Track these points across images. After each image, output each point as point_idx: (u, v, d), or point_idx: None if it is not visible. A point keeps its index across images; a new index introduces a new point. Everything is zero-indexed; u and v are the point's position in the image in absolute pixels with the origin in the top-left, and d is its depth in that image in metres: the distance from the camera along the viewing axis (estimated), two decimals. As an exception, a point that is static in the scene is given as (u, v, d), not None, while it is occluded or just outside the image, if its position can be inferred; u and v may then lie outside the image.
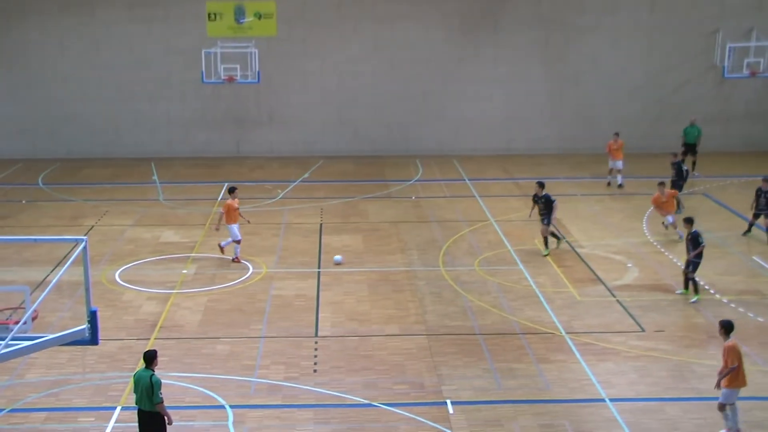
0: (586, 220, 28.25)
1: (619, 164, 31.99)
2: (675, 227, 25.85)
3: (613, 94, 37.83)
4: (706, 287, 21.99)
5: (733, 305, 20.84)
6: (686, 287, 21.52)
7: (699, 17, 37.15)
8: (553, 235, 25.17)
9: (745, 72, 36.01)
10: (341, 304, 21.20)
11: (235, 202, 24.09)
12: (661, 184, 26.31)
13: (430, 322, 20.10)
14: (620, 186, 31.88)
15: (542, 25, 37.28)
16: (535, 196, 25.52)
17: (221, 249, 24.08)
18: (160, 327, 19.84)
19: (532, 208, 25.81)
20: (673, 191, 26.85)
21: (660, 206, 26.31)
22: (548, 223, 24.78)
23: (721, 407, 15.15)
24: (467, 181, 33.30)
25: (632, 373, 17.52)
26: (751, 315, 20.26)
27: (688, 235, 21.48)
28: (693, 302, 21.02)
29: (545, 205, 24.94)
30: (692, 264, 21.30)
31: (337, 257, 23.94)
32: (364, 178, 34.14)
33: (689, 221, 21.60)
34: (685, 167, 28.89)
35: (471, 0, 37.19)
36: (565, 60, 37.60)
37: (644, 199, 29.87)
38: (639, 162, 34.79)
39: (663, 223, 26.73)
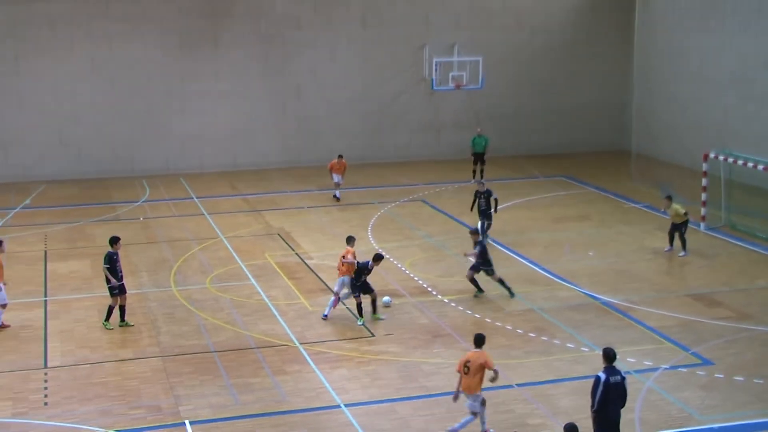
0: (315, 231, 29.01)
1: (339, 179, 32.81)
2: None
3: (334, 106, 39.02)
4: (429, 289, 23.28)
5: (453, 304, 22.18)
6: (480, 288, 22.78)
7: (407, 33, 39.08)
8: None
9: (451, 84, 38.41)
10: (71, 332, 20.62)
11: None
12: (352, 238, 22.78)
13: (164, 344, 19.98)
14: (335, 198, 32.74)
15: (261, 40, 37.84)
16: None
17: None
18: None
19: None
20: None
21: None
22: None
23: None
24: (195, 199, 33.23)
25: (365, 377, 18.27)
26: (469, 312, 21.66)
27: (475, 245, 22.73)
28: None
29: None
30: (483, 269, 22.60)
31: (386, 299, 22.06)
32: (89, 201, 33.19)
33: (474, 232, 23.22)
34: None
35: (189, 18, 37.16)
36: (286, 74, 38.34)
37: (369, 209, 31.10)
38: (361, 172, 36.17)
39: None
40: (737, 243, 26.89)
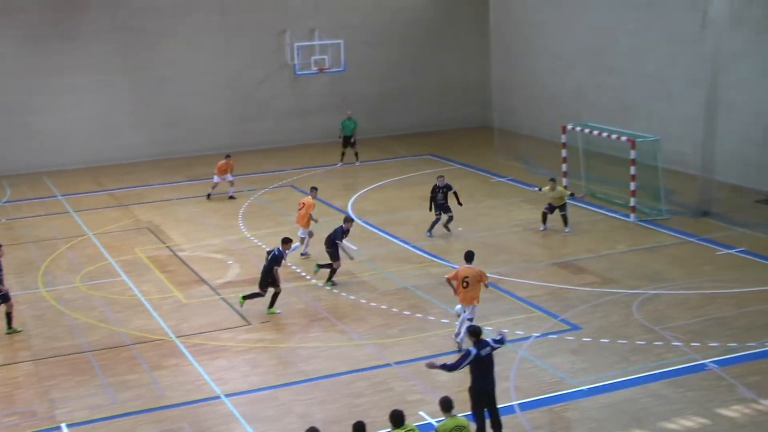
0: (185, 222, 28.73)
1: (229, 177, 31.33)
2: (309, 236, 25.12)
3: (198, 96, 38.56)
4: (303, 274, 23.40)
5: (328, 288, 22.37)
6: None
7: (267, 18, 38.90)
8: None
9: (314, 69, 38.52)
10: (-65, 343, 19.93)
11: None
12: (314, 188, 25.76)
13: (35, 347, 19.52)
14: (231, 197, 31.20)
15: (120, 33, 37.02)
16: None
17: None
18: None
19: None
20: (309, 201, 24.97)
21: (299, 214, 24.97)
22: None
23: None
24: (60, 197, 32.40)
25: (244, 366, 18.29)
26: (344, 295, 21.88)
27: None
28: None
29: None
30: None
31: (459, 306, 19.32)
32: (-56, 204, 32.02)
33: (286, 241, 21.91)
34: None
35: (44, 11, 36.03)
36: (148, 66, 37.64)
37: (239, 197, 30.92)
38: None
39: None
40: (598, 210, 27.90)
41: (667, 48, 32.47)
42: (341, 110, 38.61)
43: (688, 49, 31.09)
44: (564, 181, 29.21)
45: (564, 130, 29.54)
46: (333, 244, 22.59)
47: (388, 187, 32.47)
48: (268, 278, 20.83)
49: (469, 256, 18.59)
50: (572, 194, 26.64)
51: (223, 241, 26.68)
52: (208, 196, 31.45)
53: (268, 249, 21.80)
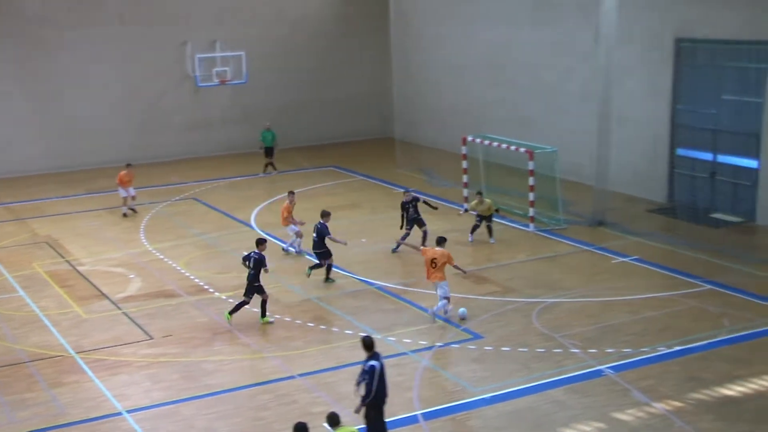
0: (85, 236, 28.23)
1: (132, 191, 30.60)
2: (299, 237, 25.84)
3: (98, 107, 37.93)
4: (206, 287, 23.25)
5: (231, 300, 22.22)
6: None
7: (168, 30, 38.55)
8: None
9: (216, 81, 38.34)
10: None
11: None
12: (291, 192, 26.43)
13: (-72, 367, 18.97)
14: (130, 212, 30.36)
15: (16, 42, 36.21)
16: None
17: None
18: None
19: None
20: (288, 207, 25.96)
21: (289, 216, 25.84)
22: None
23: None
24: (-48, 211, 31.55)
25: (145, 381, 18.07)
26: (247, 307, 21.72)
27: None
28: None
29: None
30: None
31: (462, 310, 20.92)
32: None
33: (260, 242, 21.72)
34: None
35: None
36: (46, 76, 36.86)
37: (140, 210, 30.49)
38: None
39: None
40: (498, 221, 28.34)
41: (563, 62, 33.33)
42: (243, 122, 38.46)
43: (582, 64, 31.97)
44: (464, 191, 29.67)
45: (464, 141, 30.02)
46: (322, 243, 23.25)
47: (291, 199, 32.44)
48: (255, 285, 20.65)
49: (440, 241, 21.09)
50: (497, 210, 26.99)
51: (124, 254, 26.31)
52: (124, 215, 30.27)
53: (244, 255, 21.39)
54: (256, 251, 20.89)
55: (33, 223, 29.84)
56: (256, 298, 20.81)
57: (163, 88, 38.97)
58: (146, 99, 38.79)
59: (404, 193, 26.29)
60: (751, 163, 27.73)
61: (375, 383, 14.43)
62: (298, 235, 25.86)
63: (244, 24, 39.78)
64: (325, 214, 23.69)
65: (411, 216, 25.85)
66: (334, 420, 13.27)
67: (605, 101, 27.83)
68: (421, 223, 25.90)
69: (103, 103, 38.02)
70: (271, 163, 36.16)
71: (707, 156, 29.18)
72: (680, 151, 29.97)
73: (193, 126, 39.81)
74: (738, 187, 28.29)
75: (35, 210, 31.61)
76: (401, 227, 25.93)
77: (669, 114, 29.90)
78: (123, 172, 30.56)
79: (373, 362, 14.52)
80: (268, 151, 36.02)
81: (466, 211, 27.12)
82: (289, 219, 25.90)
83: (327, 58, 41.60)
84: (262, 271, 20.74)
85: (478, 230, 26.59)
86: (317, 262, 23.63)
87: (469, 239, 26.54)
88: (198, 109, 39.84)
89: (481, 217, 26.55)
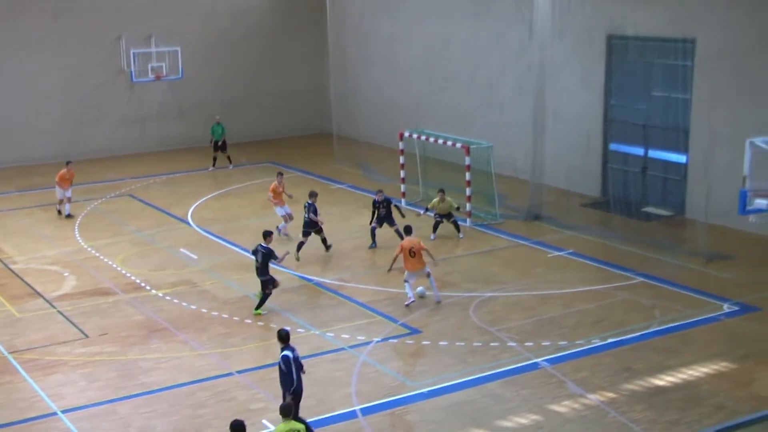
0: (18, 234, 27.81)
1: (69, 193, 29.64)
2: (288, 220, 26.98)
3: (29, 102, 37.29)
4: (142, 284, 23.06)
5: (168, 298, 22.13)
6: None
7: (101, 23, 38.01)
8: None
9: (151, 76, 37.97)
10: None
11: None
12: (280, 174, 27.75)
13: None
14: (69, 216, 29.37)
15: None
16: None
17: None
18: None
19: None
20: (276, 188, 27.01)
21: (276, 196, 26.95)
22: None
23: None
24: None
25: (81, 380, 17.89)
26: (185, 304, 21.69)
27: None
28: None
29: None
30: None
31: (421, 288, 21.91)
32: None
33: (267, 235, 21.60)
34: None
35: None
36: (-28, 71, 36.24)
37: (74, 207, 30.04)
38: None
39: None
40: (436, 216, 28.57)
41: (497, 58, 33.65)
42: (179, 118, 38.15)
43: (516, 59, 32.32)
44: (402, 186, 29.83)
45: (401, 137, 30.16)
46: (314, 222, 24.82)
47: (229, 195, 32.35)
48: (267, 276, 20.99)
49: (408, 230, 22.10)
50: (458, 208, 27.14)
51: (58, 252, 25.96)
52: (59, 212, 29.56)
53: (251, 250, 21.82)
54: (263, 244, 21.06)
55: (-37, 221, 29.32)
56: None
57: (97, 82, 38.42)
58: (80, 94, 38.21)
59: (377, 192, 26.38)
60: (680, 158, 28.31)
61: (294, 372, 14.74)
62: (288, 217, 26.83)
63: (179, 17, 39.42)
64: (313, 195, 25.19)
65: (381, 214, 26.05)
66: (286, 411, 13.40)
67: (539, 96, 28.17)
68: (391, 222, 25.97)
69: (35, 98, 37.37)
70: (228, 157, 36.15)
71: (639, 151, 29.71)
72: (613, 146, 30.47)
73: (129, 122, 39.35)
74: (668, 182, 28.87)
75: (-34, 207, 31.07)
76: (370, 223, 26.15)
77: (602, 109, 30.38)
78: (63, 171, 29.47)
79: (285, 353, 14.84)
80: (216, 145, 35.89)
81: (427, 211, 27.18)
82: (277, 200, 26.80)
83: (264, 52, 41.44)
84: (272, 262, 21.07)
85: (441, 227, 26.69)
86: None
87: (432, 237, 26.51)
88: (133, 104, 39.39)
89: (441, 216, 26.69)
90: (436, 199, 26.78)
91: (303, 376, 15.20)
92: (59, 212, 29.73)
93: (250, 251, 22.17)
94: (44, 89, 37.52)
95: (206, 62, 40.08)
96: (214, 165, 35.90)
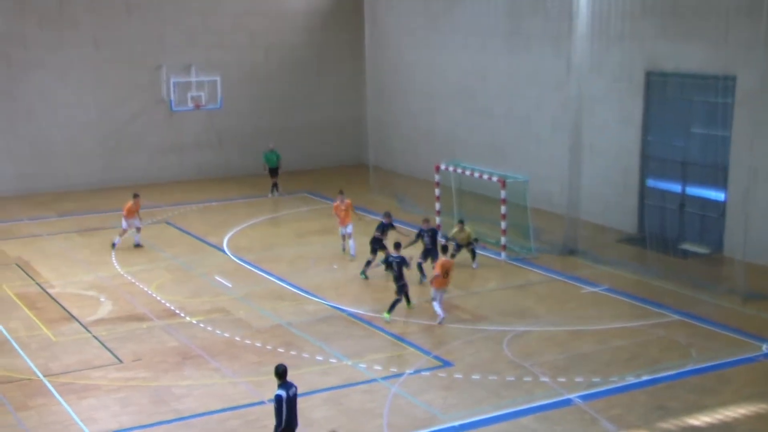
0: (55, 258, 28.07)
1: (138, 223, 29.31)
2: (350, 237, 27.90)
3: (68, 129, 37.72)
4: (177, 311, 23.17)
5: (202, 325, 22.21)
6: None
7: (143, 53, 38.43)
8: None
9: (190, 105, 38.36)
10: None
11: None
12: (341, 192, 28.82)
13: None
14: (138, 246, 29.07)
15: (-14, 62, 36.11)
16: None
17: None
18: None
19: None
20: (348, 202, 28.34)
21: (339, 215, 28.13)
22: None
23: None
24: None
25: (115, 405, 17.96)
26: (218, 332, 21.76)
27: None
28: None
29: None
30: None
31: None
32: None
33: (397, 246, 23.45)
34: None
35: None
36: (14, 96, 36.60)
37: (111, 233, 30.29)
38: (101, 196, 35.42)
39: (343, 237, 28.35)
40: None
41: (535, 91, 33.65)
42: (217, 147, 38.44)
43: (553, 93, 32.29)
44: (437, 219, 29.81)
45: (437, 169, 30.19)
46: (378, 240, 25.86)
47: (264, 224, 32.51)
48: (400, 284, 22.78)
49: (444, 249, 23.38)
50: (476, 239, 27.16)
51: (95, 277, 26.18)
52: (113, 245, 28.97)
53: (380, 263, 24.17)
54: (395, 254, 23.11)
55: (2, 245, 29.62)
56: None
57: (136, 111, 38.86)
58: (118, 122, 38.63)
59: (424, 221, 26.19)
60: (719, 196, 28.08)
61: (284, 412, 14.50)
62: (347, 236, 27.96)
63: (218, 48, 39.81)
64: (387, 215, 26.43)
65: (427, 246, 25.58)
66: None
67: (576, 131, 28.14)
68: (435, 256, 25.05)
69: (73, 125, 37.81)
70: (275, 183, 36.42)
71: (676, 188, 29.51)
72: (650, 182, 30.30)
73: (166, 150, 39.71)
74: (706, 219, 28.63)
75: (5, 232, 31.39)
76: (407, 246, 24.78)
77: (639, 145, 30.23)
78: (130, 203, 28.99)
79: (279, 392, 14.62)
80: (273, 172, 36.28)
81: (447, 240, 27.11)
82: (345, 220, 27.99)
83: (301, 83, 41.74)
84: (405, 269, 22.97)
85: (458, 254, 26.64)
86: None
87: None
88: (171, 132, 39.76)
89: (459, 245, 26.69)
90: (455, 230, 26.81)
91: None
92: (113, 245, 28.95)
93: (383, 263, 23.74)
94: (85, 116, 37.96)
95: (244, 92, 40.42)
96: (274, 191, 36.41)
